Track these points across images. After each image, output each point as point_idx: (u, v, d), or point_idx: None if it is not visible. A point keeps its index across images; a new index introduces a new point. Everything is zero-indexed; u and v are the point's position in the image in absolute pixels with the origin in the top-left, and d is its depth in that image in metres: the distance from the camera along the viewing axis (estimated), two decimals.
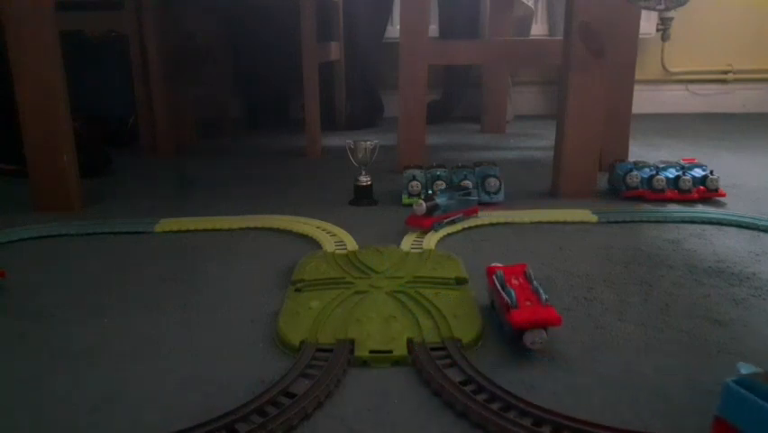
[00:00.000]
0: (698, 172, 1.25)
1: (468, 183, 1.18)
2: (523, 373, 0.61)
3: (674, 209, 1.17)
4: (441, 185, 1.22)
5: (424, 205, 1.02)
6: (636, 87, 1.49)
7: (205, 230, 1.09)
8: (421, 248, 0.95)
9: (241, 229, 1.10)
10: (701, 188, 1.23)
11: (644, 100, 2.58)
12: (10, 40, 1.13)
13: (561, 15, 1.83)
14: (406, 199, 1.23)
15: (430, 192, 1.12)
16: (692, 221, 1.11)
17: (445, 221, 1.05)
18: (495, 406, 0.54)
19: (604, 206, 1.21)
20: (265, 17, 2.22)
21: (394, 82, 1.46)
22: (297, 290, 0.79)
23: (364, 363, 0.63)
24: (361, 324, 0.68)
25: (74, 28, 1.90)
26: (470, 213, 1.11)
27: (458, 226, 1.08)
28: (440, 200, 1.05)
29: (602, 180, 1.33)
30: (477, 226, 1.10)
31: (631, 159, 1.39)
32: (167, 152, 1.78)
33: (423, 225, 1.02)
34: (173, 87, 1.80)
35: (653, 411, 0.55)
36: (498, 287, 0.70)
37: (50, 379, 0.62)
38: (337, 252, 0.93)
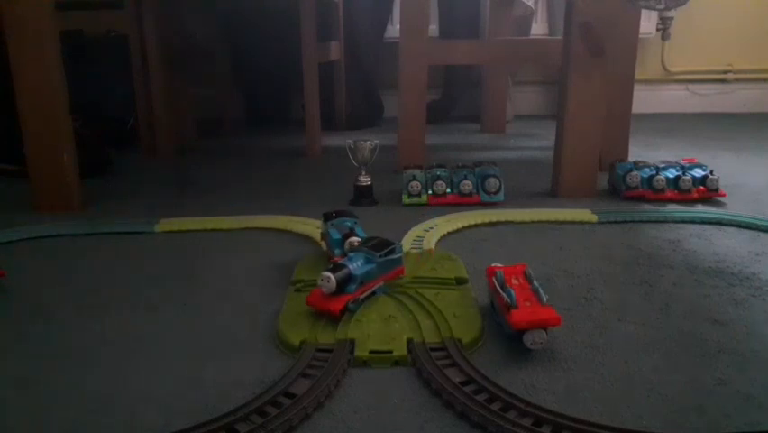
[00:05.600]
0: (698, 172, 1.25)
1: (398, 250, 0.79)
2: (523, 373, 0.61)
3: (674, 209, 1.17)
4: (445, 185, 1.22)
5: (333, 279, 0.70)
6: (636, 87, 1.49)
7: (205, 230, 1.09)
8: (421, 248, 0.95)
9: (241, 229, 1.09)
10: (701, 188, 1.23)
11: (644, 100, 2.57)
12: (10, 40, 1.13)
13: (561, 15, 1.83)
14: (406, 199, 1.23)
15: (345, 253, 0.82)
16: (692, 221, 1.11)
17: (362, 297, 0.73)
18: (495, 406, 0.54)
19: (604, 206, 1.21)
20: (265, 17, 2.22)
21: (394, 82, 1.46)
22: (297, 290, 0.79)
23: (364, 364, 0.63)
24: (360, 324, 0.68)
25: (74, 28, 1.90)
26: (392, 277, 0.78)
27: (458, 224, 1.08)
28: (354, 266, 0.73)
29: (602, 180, 1.33)
30: (477, 226, 1.10)
31: (631, 159, 1.39)
32: (167, 151, 1.78)
33: (330, 309, 0.70)
34: (173, 86, 1.80)
35: (653, 411, 0.55)
36: (498, 287, 0.70)
37: (50, 379, 0.62)
38: None
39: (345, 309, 0.71)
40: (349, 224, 0.89)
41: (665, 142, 1.95)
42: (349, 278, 0.72)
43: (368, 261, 0.74)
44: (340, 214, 0.92)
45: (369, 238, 0.80)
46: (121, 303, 0.80)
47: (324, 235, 0.91)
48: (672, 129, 2.23)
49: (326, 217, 0.92)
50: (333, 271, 0.71)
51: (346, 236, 0.86)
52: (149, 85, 1.74)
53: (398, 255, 0.78)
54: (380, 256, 0.75)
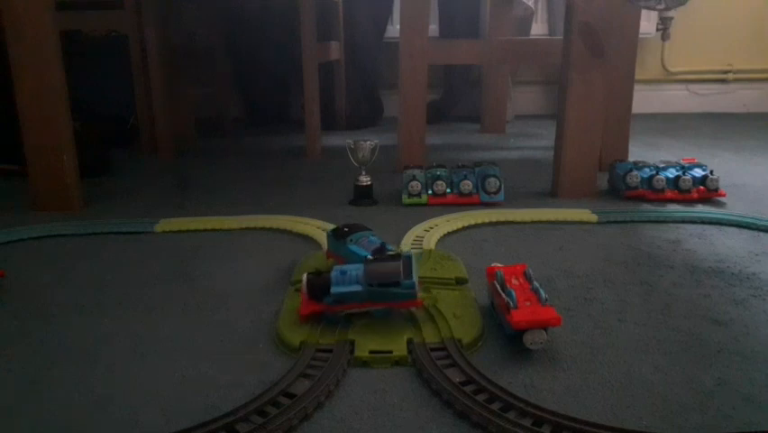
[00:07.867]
0: (698, 172, 1.25)
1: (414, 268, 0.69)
2: (523, 373, 0.61)
3: (674, 209, 1.17)
4: (445, 185, 1.22)
5: (304, 281, 0.69)
6: (636, 87, 1.49)
7: (205, 230, 1.09)
8: (421, 248, 0.95)
9: (241, 229, 1.09)
10: (701, 188, 1.23)
11: (644, 100, 2.58)
12: (10, 40, 1.13)
13: (561, 15, 1.83)
14: (406, 199, 1.23)
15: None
16: (692, 221, 1.11)
17: (346, 312, 0.69)
18: (495, 406, 0.54)
19: (604, 206, 1.21)
20: (265, 17, 2.22)
21: (394, 82, 1.46)
22: (297, 290, 0.79)
23: (364, 364, 0.63)
24: (360, 324, 0.68)
25: (74, 28, 1.90)
26: (399, 306, 0.70)
27: (458, 224, 1.08)
28: (337, 279, 0.68)
29: (602, 180, 1.33)
30: (477, 226, 1.10)
31: (631, 159, 1.39)
32: (167, 151, 1.77)
33: (301, 309, 0.70)
34: (173, 86, 1.80)
35: (652, 411, 0.55)
36: (498, 288, 0.70)
37: (50, 379, 0.62)
38: None
39: (319, 316, 0.69)
40: (374, 239, 0.80)
41: (665, 142, 1.95)
42: (326, 288, 0.68)
43: (360, 284, 0.67)
44: (353, 228, 0.82)
45: (389, 256, 0.71)
46: (121, 303, 0.80)
47: (333, 253, 0.84)
48: (672, 129, 2.23)
49: (339, 234, 0.82)
50: (316, 274, 0.69)
51: (376, 252, 0.75)
52: (149, 85, 1.74)
53: (405, 291, 0.67)
54: (370, 285, 0.67)
